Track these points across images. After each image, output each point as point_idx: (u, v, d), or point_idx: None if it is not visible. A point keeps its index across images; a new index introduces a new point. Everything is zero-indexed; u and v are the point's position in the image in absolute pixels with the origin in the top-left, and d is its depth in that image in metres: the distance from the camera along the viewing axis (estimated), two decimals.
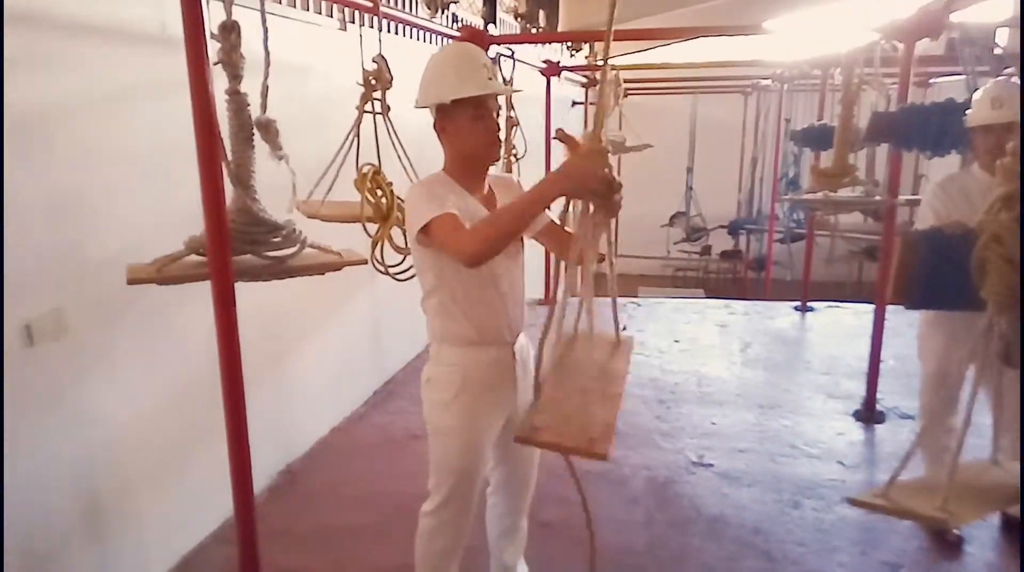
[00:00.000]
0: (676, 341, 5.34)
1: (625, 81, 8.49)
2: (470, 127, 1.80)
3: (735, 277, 11.57)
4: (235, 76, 1.84)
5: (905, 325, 2.82)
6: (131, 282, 1.86)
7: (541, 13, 8.32)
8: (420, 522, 2.05)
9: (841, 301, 6.40)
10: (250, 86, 1.93)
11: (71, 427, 2.16)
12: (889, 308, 3.80)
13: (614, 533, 2.79)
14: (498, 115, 1.87)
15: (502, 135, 1.93)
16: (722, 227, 10.85)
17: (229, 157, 1.88)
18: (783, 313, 6.11)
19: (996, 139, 2.33)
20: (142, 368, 2.42)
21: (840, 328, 5.62)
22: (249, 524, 2.19)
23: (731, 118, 10.31)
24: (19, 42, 1.91)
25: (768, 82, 8.36)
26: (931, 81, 7.25)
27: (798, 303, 6.17)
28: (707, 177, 10.61)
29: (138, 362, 2.40)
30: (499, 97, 1.88)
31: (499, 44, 4.84)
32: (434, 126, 1.86)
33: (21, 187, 1.93)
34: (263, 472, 3.14)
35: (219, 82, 1.87)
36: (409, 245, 1.91)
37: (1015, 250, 1.42)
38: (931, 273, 2.05)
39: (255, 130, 1.89)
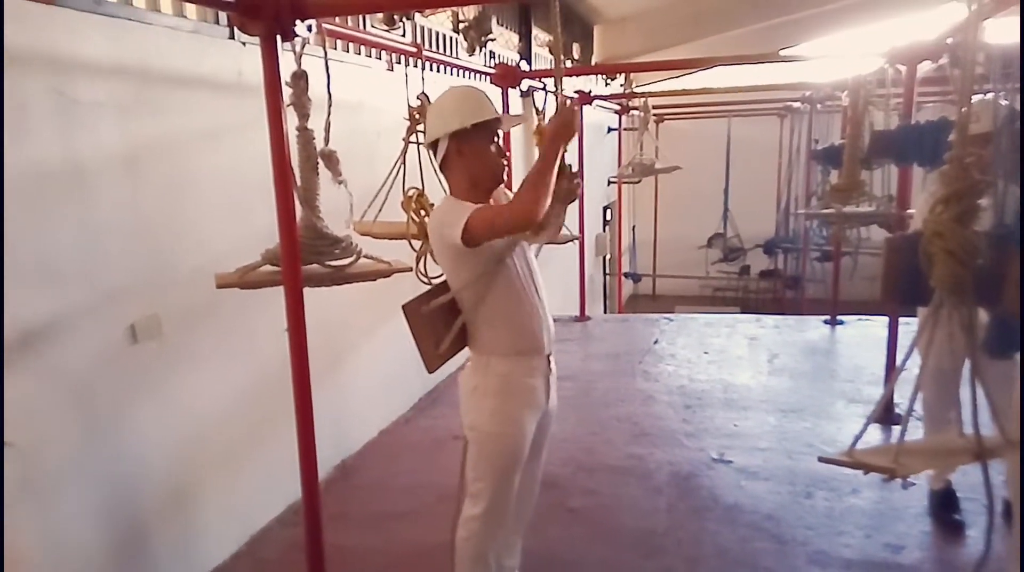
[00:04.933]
0: (705, 353, 5.56)
1: (660, 107, 8.87)
2: (486, 151, 2.02)
3: (775, 296, 11.64)
4: (304, 115, 2.23)
5: None
6: (219, 286, 2.23)
7: (576, 46, 8.75)
8: (466, 526, 2.11)
9: (873, 315, 6.50)
10: (313, 123, 2.31)
11: (163, 415, 2.54)
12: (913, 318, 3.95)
13: (638, 518, 3.05)
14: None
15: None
16: (758, 247, 10.99)
17: (298, 183, 2.26)
18: (813, 326, 6.26)
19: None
20: (222, 366, 2.81)
21: (869, 340, 5.74)
22: (315, 507, 2.48)
23: (766, 140, 10.54)
24: (129, 91, 2.35)
25: (799, 104, 8.58)
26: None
27: (828, 317, 6.31)
28: (744, 198, 10.85)
29: (219, 361, 2.79)
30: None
31: (532, 79, 5.23)
32: (441, 160, 2.05)
33: (124, 211, 2.35)
34: (319, 466, 3.47)
35: (289, 120, 2.26)
36: (445, 261, 2.04)
37: (954, 244, 1.69)
38: (911, 271, 2.27)
39: (319, 160, 2.27)
